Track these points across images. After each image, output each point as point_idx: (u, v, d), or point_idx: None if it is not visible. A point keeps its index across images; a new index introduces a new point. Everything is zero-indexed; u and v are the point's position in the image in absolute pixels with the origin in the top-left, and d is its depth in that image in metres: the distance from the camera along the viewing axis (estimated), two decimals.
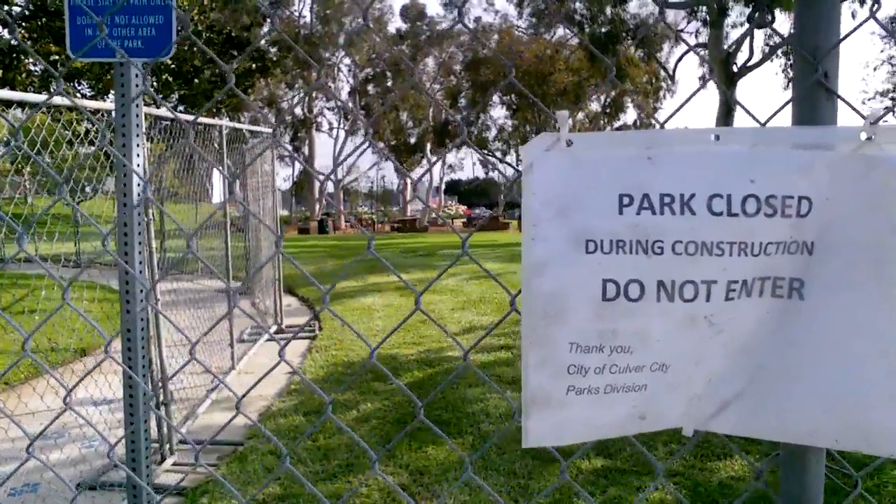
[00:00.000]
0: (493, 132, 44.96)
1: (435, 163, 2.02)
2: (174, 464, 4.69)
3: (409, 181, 59.38)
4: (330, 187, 53.71)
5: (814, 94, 1.12)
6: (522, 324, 1.18)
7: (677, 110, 1.24)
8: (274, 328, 8.58)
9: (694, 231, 1.08)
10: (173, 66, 18.08)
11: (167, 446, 4.71)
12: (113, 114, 2.77)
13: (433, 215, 50.82)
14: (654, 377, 1.18)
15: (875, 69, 27.20)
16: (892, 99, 24.78)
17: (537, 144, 1.13)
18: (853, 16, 21.36)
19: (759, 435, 1.21)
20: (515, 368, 6.47)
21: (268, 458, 4.69)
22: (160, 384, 4.65)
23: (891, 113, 1.12)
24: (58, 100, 4.10)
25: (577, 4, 28.66)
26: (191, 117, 6.06)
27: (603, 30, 28.06)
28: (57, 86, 1.31)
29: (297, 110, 50.47)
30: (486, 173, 58.98)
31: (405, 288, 11.57)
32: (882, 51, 42.56)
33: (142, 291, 2.74)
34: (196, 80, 17.99)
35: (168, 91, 18.69)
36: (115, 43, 2.69)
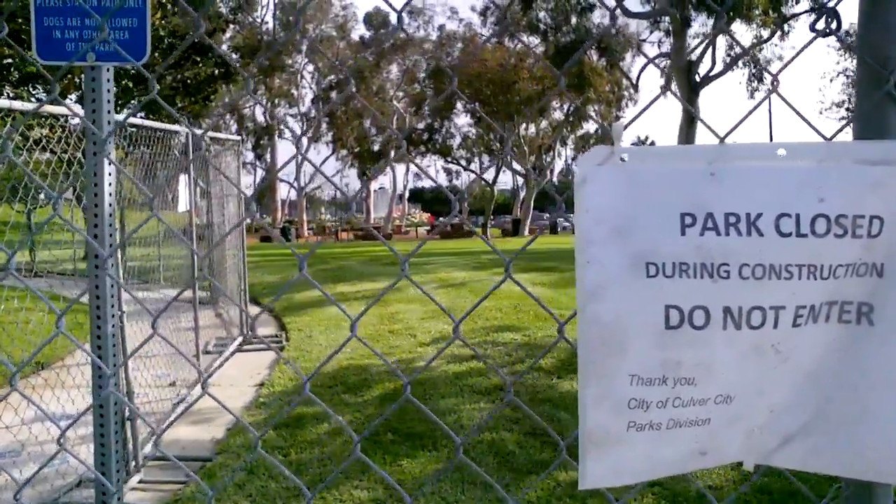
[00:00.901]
0: (458, 140, 45.04)
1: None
2: (140, 481, 4.53)
3: (371, 190, 59.14)
4: (293, 195, 53.32)
5: (882, 107, 1.07)
6: (579, 354, 1.10)
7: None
8: (239, 339, 8.41)
9: (762, 253, 1.02)
10: (133, 71, 17.71)
11: (133, 463, 4.56)
12: (71, 119, 2.66)
13: (398, 223, 50.68)
14: (717, 410, 1.11)
15: (831, 80, 27.89)
16: (848, 109, 25.38)
17: (590, 158, 1.06)
18: (811, 28, 21.76)
19: (824, 470, 1.15)
20: (489, 378, 6.42)
21: (238, 473, 4.56)
22: (125, 398, 4.50)
23: None
24: (13, 104, 3.96)
25: (542, 14, 28.88)
26: (157, 124, 5.92)
27: (567, 39, 28.29)
28: (52, 90, 1.22)
29: (260, 117, 50.07)
30: (451, 181, 59.12)
31: (371, 297, 11.46)
32: (837, 62, 43.63)
33: (113, 307, 2.63)
34: (158, 86, 17.63)
35: (128, 97, 18.32)
36: (85, 46, 2.58)
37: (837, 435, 1.11)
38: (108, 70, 2.64)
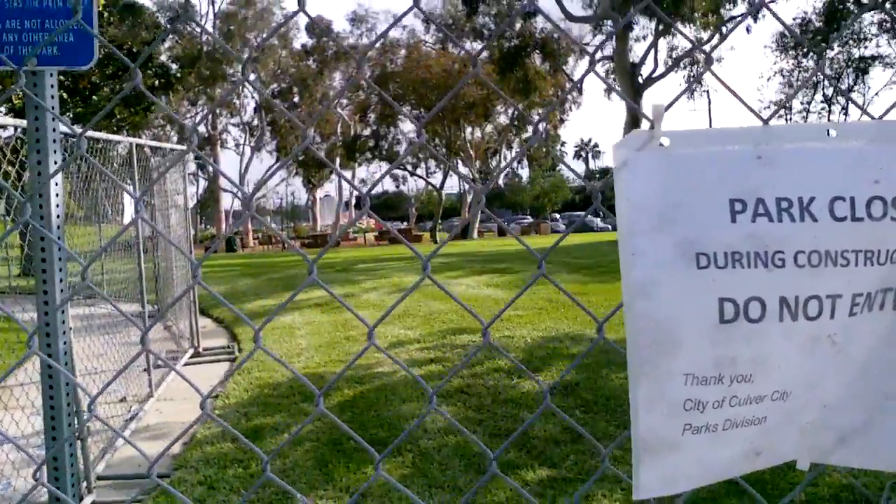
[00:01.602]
0: (404, 146, 44.95)
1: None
2: (93, 502, 4.37)
3: (317, 198, 58.64)
4: (237, 204, 52.52)
5: None
6: (628, 354, 1.04)
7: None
8: (191, 352, 8.21)
9: (817, 239, 0.97)
10: (68, 82, 17.20)
11: (84, 484, 4.39)
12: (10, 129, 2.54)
13: (347, 230, 50.32)
14: (773, 407, 1.05)
15: (768, 80, 28.80)
16: (785, 107, 26.15)
17: (629, 143, 1.00)
18: (748, 31, 22.39)
19: (883, 468, 1.11)
20: (450, 382, 6.38)
21: (197, 489, 4.43)
22: (74, 416, 4.33)
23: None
24: None
25: (486, 19, 29.05)
26: (99, 134, 5.74)
27: (511, 44, 28.51)
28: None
29: (201, 127, 49.19)
30: (397, 186, 58.93)
31: (325, 305, 11.32)
32: (774, 62, 44.87)
33: (63, 323, 2.51)
34: (94, 97, 17.19)
35: (63, 109, 17.79)
36: (25, 49, 2.46)
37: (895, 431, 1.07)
38: (51, 75, 2.53)
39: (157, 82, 17.91)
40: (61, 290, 2.56)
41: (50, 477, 2.84)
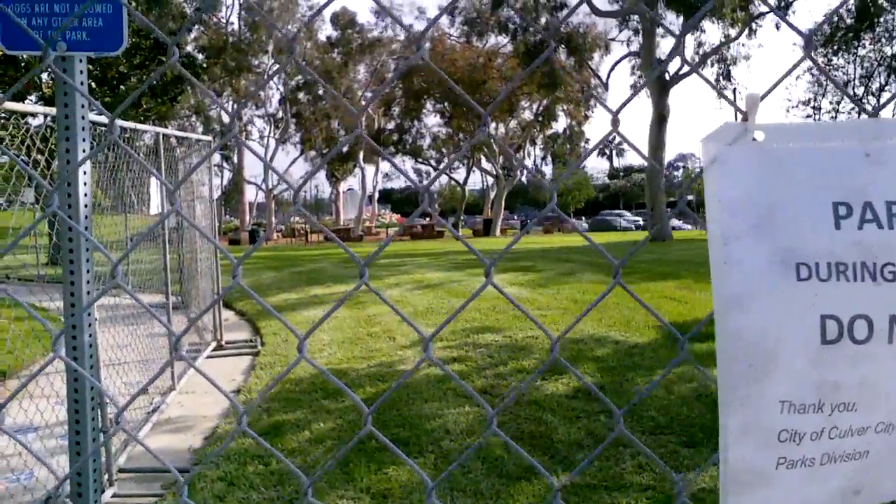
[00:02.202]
0: (428, 140, 44.90)
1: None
2: (114, 495, 4.34)
3: (341, 191, 58.71)
4: (261, 196, 52.78)
5: None
6: (718, 376, 0.94)
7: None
8: (213, 344, 8.19)
9: None
10: (96, 71, 17.28)
11: (106, 477, 4.36)
12: (40, 117, 2.48)
13: (368, 224, 50.38)
14: (877, 440, 0.94)
15: (797, 78, 28.37)
16: (814, 108, 25.76)
17: (719, 136, 0.89)
18: (777, 28, 22.06)
19: None
20: (471, 381, 6.30)
21: (217, 484, 4.38)
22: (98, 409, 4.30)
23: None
24: None
25: (510, 12, 28.86)
26: (126, 123, 5.72)
27: (536, 38, 28.31)
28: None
29: (226, 118, 49.43)
30: (421, 181, 58.87)
31: (349, 300, 11.27)
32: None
33: (89, 315, 2.45)
34: (122, 87, 17.26)
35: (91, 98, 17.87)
36: (55, 34, 2.40)
37: None
38: (80, 61, 2.47)
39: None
40: (87, 282, 2.50)
41: (72, 468, 2.79)
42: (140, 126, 6.34)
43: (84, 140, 2.43)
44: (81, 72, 2.44)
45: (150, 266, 8.14)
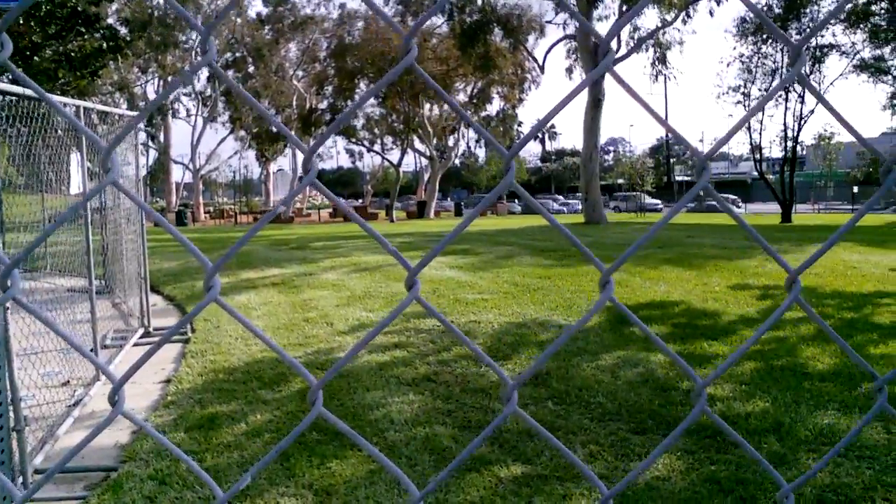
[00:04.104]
0: (361, 121, 44.25)
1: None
2: (29, 500, 3.98)
3: (271, 172, 57.57)
4: (188, 177, 51.30)
5: None
6: None
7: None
8: (140, 331, 7.77)
9: None
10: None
11: (20, 479, 4.01)
12: None
13: (299, 205, 49.53)
14: None
15: (728, 65, 28.83)
16: (744, 94, 26.31)
17: None
18: (711, 14, 22.37)
19: None
20: (414, 368, 6.10)
21: (147, 484, 4.08)
22: (10, 404, 3.94)
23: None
24: None
25: None
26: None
27: (471, 19, 28.08)
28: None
29: (151, 95, 47.71)
30: (353, 162, 58.10)
31: (282, 284, 10.92)
32: (734, 48, 45.23)
33: None
34: (36, 58, 16.27)
35: (2, 70, 16.81)
36: None
37: None
38: None
39: (104, 45, 17.01)
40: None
41: None
42: (58, 97, 5.89)
43: None
44: None
45: (71, 248, 7.66)
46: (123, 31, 28.50)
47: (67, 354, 5.84)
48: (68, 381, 5.83)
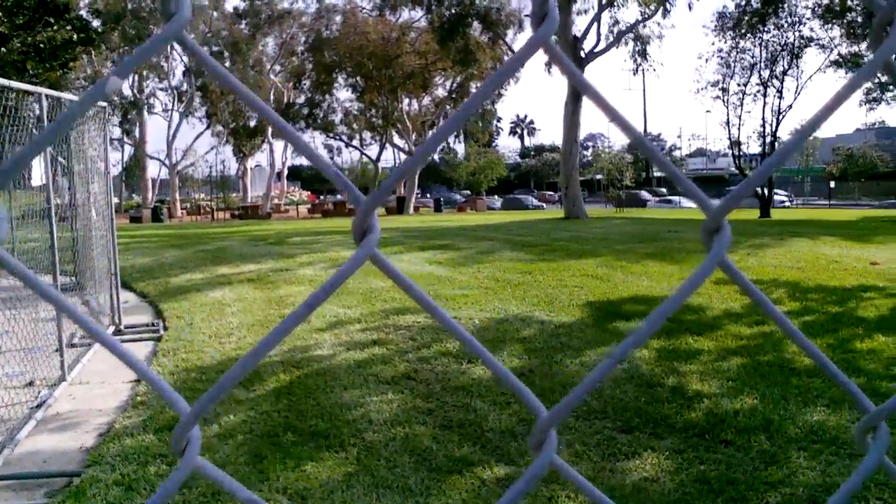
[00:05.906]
0: (339, 115, 43.90)
1: None
2: None
3: (248, 167, 57.01)
4: (164, 173, 50.68)
5: None
6: None
7: None
8: (112, 329, 7.53)
9: None
10: None
11: None
12: None
13: (277, 201, 49.08)
14: None
15: (706, 60, 28.88)
16: (722, 89, 26.32)
17: None
18: (690, 7, 22.32)
19: None
20: (393, 366, 5.93)
21: (113, 490, 3.88)
22: None
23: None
24: None
25: None
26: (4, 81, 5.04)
27: (450, 12, 27.87)
28: None
29: (127, 91, 47.01)
30: (332, 158, 57.67)
31: (258, 280, 10.70)
32: (713, 43, 45.43)
33: None
34: (3, 49, 15.85)
35: None
36: None
37: None
38: None
39: (75, 36, 16.57)
40: None
41: None
42: (24, 86, 5.65)
43: None
44: None
45: (38, 245, 7.41)
46: (96, 22, 27.95)
47: (30, 354, 5.61)
48: (32, 382, 5.59)
